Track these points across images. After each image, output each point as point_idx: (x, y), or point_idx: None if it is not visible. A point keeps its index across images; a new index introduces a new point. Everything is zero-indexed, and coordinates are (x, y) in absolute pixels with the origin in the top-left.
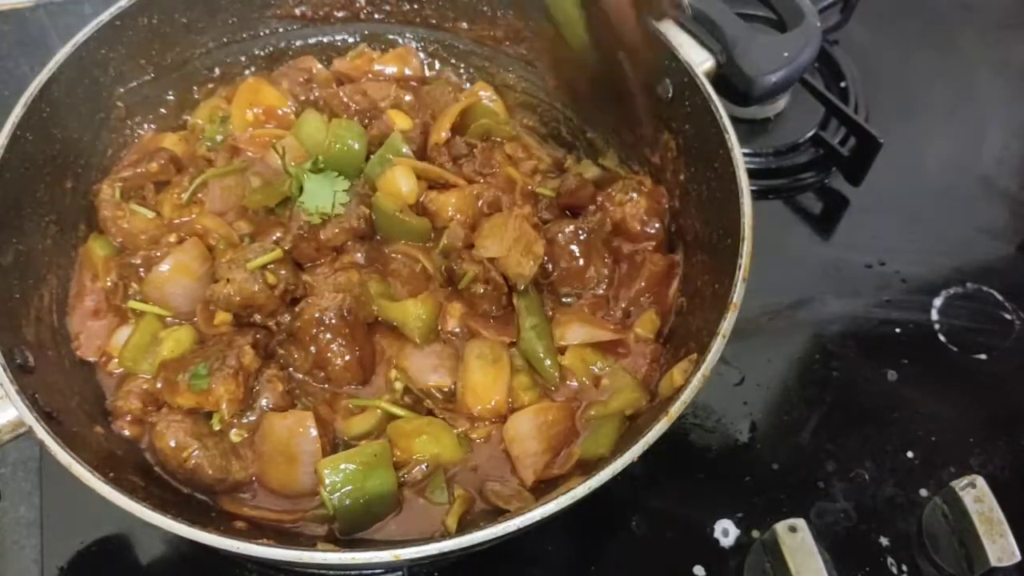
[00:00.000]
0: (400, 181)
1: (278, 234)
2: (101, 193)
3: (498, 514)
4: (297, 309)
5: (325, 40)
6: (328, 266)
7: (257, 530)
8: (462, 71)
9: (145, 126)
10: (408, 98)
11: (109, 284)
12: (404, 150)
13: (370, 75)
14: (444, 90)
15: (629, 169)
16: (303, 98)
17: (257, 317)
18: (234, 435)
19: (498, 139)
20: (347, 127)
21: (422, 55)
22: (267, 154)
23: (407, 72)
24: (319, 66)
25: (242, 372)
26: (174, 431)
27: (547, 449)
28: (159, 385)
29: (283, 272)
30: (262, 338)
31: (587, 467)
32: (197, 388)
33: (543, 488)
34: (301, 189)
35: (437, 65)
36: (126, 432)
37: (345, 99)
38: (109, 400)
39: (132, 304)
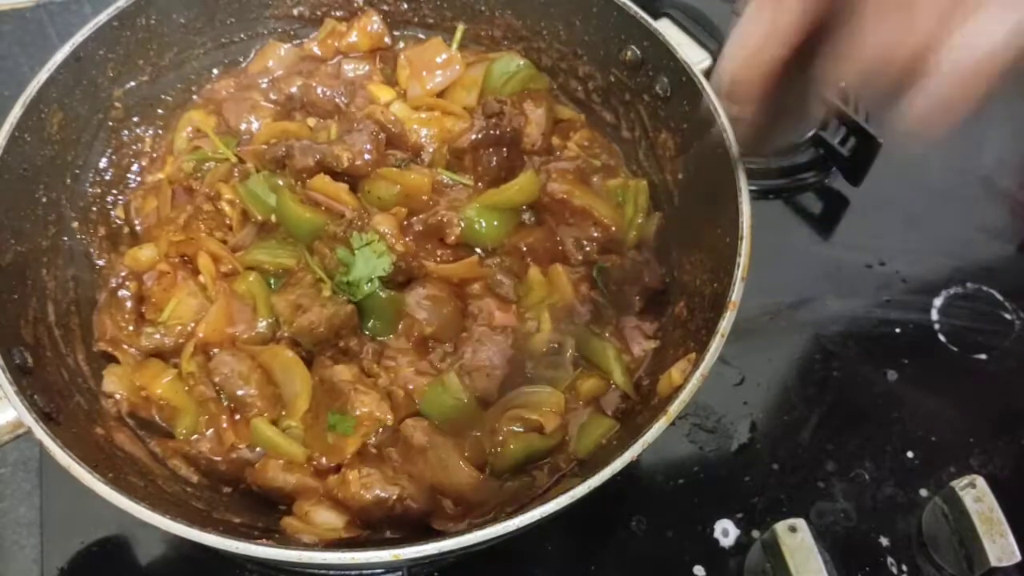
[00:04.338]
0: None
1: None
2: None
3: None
4: None
5: None
6: None
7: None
8: None
9: (143, 127)
10: (380, 66)
11: None
12: None
13: (341, 54)
14: (431, 49)
15: (629, 171)
16: (280, 99)
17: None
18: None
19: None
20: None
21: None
22: None
23: (373, 30)
24: (284, 48)
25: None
26: (369, 484)
27: None
28: (324, 461)
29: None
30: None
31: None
32: (346, 431)
33: None
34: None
35: (407, 32)
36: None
37: (320, 90)
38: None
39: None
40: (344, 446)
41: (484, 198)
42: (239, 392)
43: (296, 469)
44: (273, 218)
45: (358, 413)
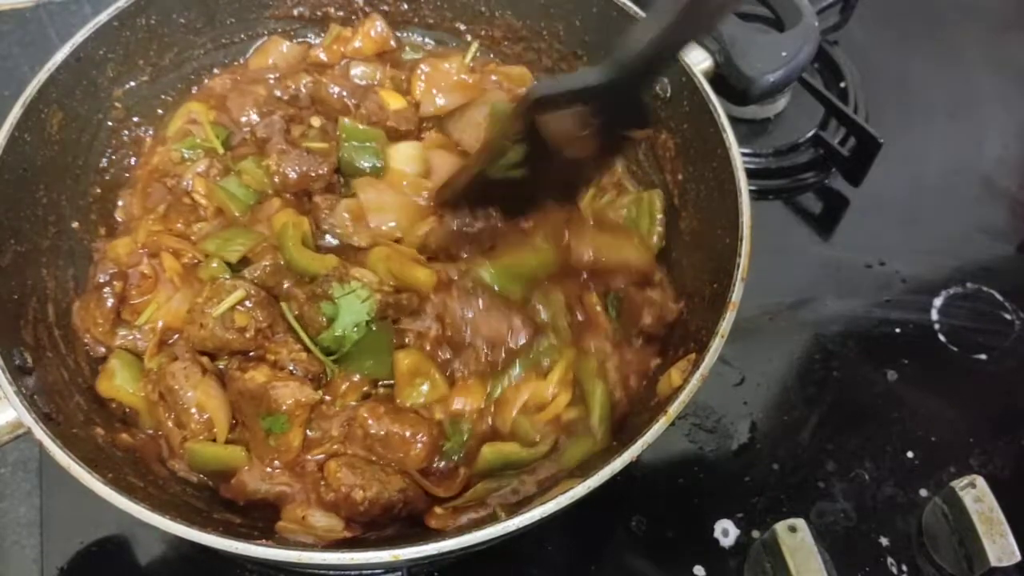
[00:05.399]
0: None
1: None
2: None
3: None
4: None
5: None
6: None
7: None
8: None
9: (143, 127)
10: (391, 72)
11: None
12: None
13: (347, 58)
14: (451, 64)
15: (631, 173)
16: (285, 98)
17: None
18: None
19: None
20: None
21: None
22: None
23: (378, 34)
24: (286, 45)
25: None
26: (349, 474)
27: None
28: (277, 463)
29: (256, 313)
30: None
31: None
32: (282, 429)
33: None
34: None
35: (407, 34)
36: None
37: (332, 88)
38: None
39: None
40: (288, 442)
41: (503, 263)
42: (180, 404)
43: (273, 474)
44: (237, 213)
45: (284, 408)
